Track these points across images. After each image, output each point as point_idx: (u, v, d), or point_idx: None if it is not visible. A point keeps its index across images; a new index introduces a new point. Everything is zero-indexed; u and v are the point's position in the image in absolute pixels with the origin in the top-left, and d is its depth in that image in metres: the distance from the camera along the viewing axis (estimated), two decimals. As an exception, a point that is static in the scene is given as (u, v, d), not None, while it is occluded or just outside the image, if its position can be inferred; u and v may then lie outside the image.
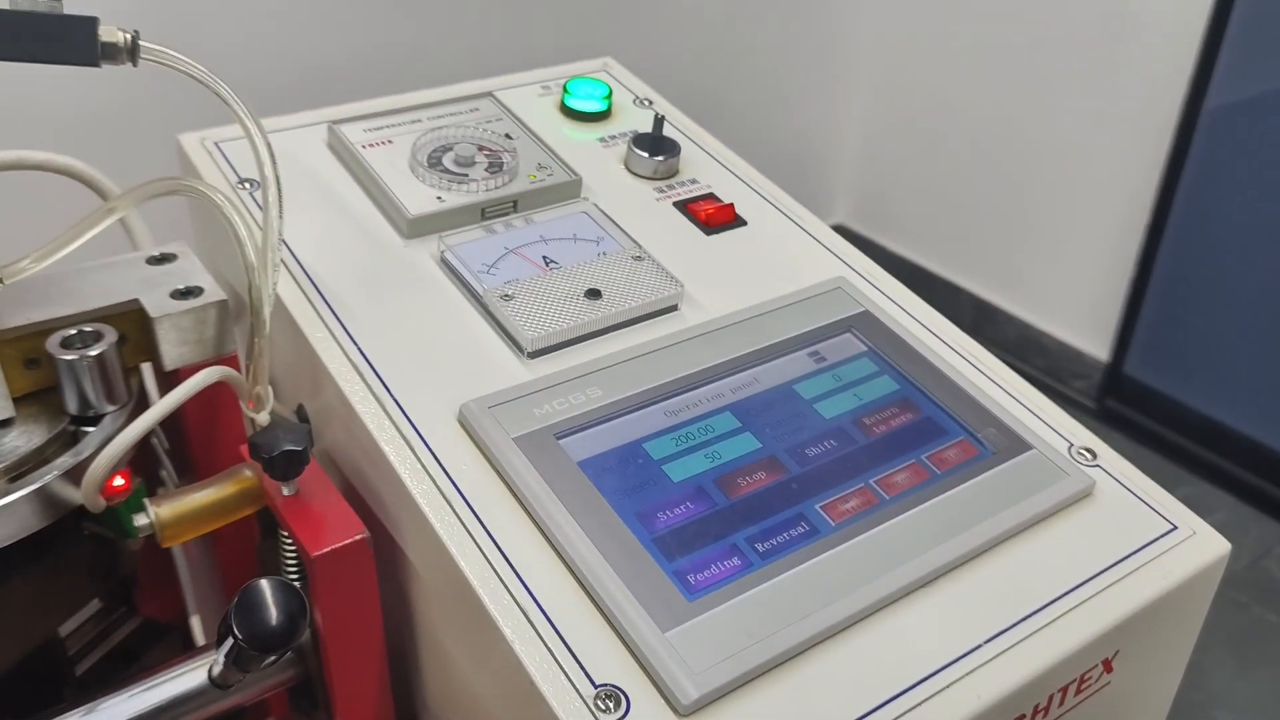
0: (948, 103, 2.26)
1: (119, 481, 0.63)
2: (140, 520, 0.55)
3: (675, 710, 0.46)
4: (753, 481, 0.55)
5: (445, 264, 0.65)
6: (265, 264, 0.58)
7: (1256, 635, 1.70)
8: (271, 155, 0.58)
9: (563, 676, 0.46)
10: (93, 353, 0.59)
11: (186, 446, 0.67)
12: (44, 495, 0.57)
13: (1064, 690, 0.52)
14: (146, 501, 0.56)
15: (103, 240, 0.61)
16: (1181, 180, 1.95)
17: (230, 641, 0.48)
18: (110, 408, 0.61)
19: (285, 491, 0.56)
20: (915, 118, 2.35)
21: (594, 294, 0.63)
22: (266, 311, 0.58)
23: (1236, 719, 1.56)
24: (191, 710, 0.58)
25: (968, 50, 2.18)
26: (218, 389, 0.60)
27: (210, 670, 0.57)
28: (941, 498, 0.55)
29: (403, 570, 0.57)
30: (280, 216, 0.58)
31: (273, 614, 0.46)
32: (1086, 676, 0.53)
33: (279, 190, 0.58)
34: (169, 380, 0.64)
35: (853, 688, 0.47)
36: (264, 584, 0.47)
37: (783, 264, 0.70)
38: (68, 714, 0.55)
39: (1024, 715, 0.51)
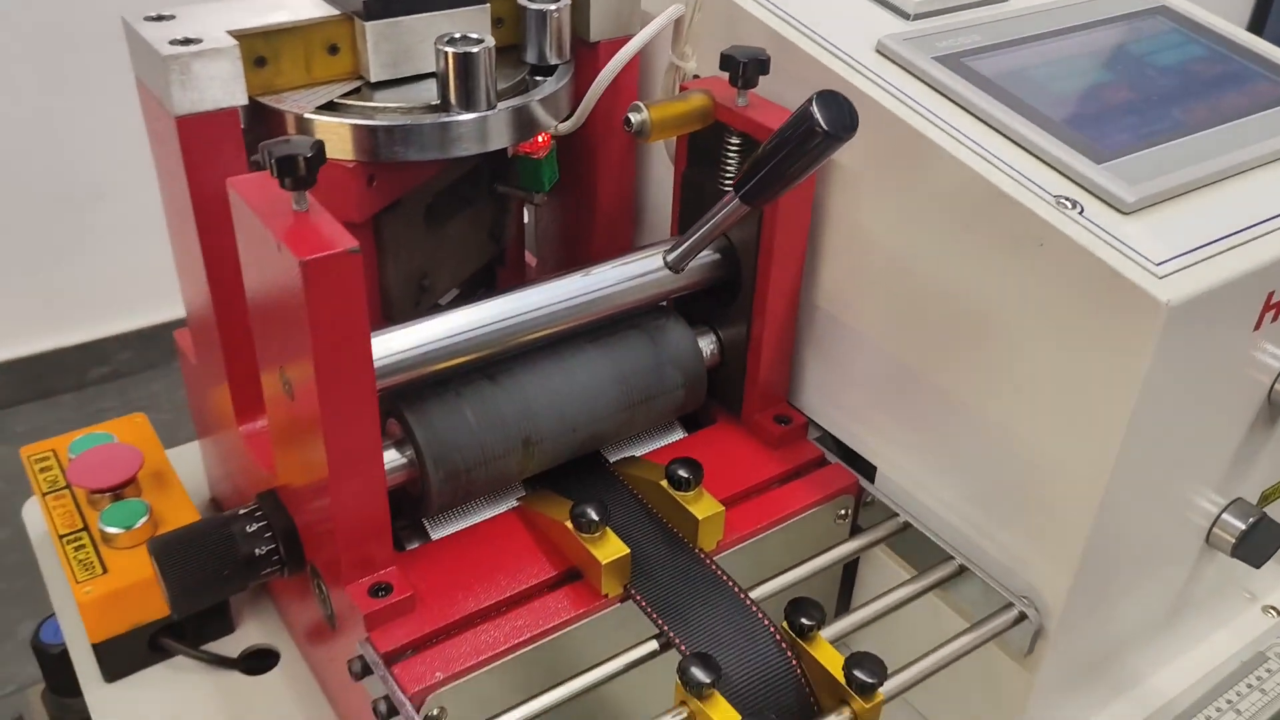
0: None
1: (540, 139, 0.76)
2: (635, 116, 0.67)
3: (1120, 211, 0.58)
4: (1126, 95, 0.68)
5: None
6: (705, -70, 0.70)
7: None
8: None
9: (1023, 187, 0.59)
10: (553, 7, 0.72)
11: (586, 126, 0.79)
12: (523, 114, 0.70)
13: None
14: (639, 103, 0.68)
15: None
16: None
17: (797, 138, 0.56)
18: (558, 61, 0.74)
19: (740, 102, 0.68)
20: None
21: (949, -23, 0.76)
22: (701, -28, 0.71)
23: None
24: (647, 291, 0.71)
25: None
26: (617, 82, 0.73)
27: (665, 255, 0.69)
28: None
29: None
30: (717, -109, 0.71)
31: (846, 106, 0.56)
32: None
33: None
34: (587, 56, 0.77)
35: (1252, 206, 0.60)
36: (826, 92, 0.56)
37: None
38: (567, 276, 0.68)
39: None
